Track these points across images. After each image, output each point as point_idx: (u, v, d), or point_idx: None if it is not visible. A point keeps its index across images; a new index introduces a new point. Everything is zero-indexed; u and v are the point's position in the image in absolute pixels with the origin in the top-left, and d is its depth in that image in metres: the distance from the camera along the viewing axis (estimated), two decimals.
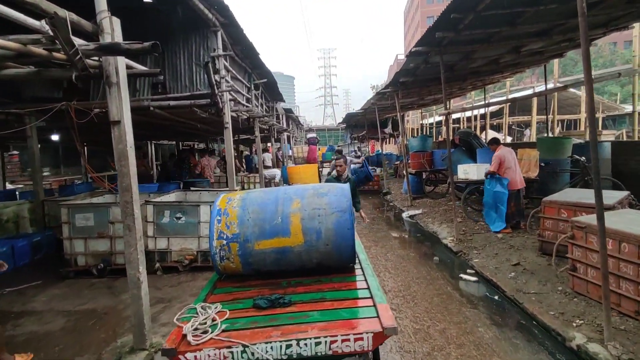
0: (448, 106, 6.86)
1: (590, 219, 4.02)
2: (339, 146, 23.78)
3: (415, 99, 13.88)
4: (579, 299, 3.96)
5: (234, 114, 7.65)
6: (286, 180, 8.03)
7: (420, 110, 22.63)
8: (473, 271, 5.33)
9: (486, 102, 7.19)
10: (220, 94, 6.43)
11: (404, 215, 9.55)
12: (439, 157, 10.94)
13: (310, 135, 18.80)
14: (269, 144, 20.23)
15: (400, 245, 6.90)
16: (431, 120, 25.42)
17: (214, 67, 6.48)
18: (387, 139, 26.48)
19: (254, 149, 16.25)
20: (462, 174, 7.94)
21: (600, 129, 15.97)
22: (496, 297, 4.47)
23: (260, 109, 12.03)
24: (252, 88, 9.94)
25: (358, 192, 5.15)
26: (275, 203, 2.70)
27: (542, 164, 7.49)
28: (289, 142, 23.48)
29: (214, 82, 5.60)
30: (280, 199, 2.74)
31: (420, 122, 25.52)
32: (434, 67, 7.59)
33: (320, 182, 7.95)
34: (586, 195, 5.13)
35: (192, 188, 7.85)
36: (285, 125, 18.65)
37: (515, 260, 5.27)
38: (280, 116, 17.28)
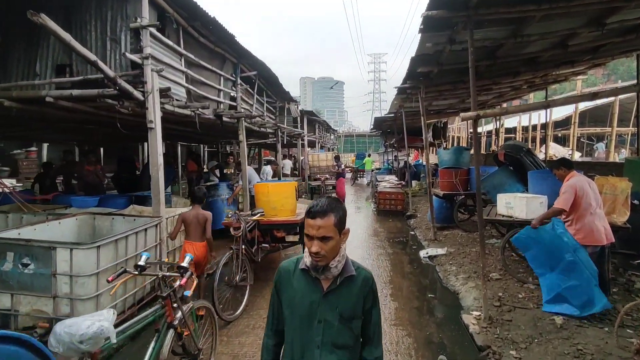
0: (489, 106, 4.46)
1: None
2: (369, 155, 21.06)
3: (454, 102, 11.19)
4: None
5: (185, 111, 5.78)
6: (253, 203, 5.98)
7: None
8: None
9: (549, 99, 4.67)
10: (143, 79, 4.59)
11: (422, 254, 7.08)
12: None
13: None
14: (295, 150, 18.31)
15: (395, 317, 4.52)
16: (480, 129, 22.11)
17: (136, 43, 4.65)
18: (431, 148, 23.48)
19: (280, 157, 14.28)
20: (504, 207, 5.39)
21: None
22: None
23: (260, 108, 10.17)
24: (239, 82, 8.07)
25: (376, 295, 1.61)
26: None
27: (636, 202, 4.76)
28: (312, 148, 21.43)
29: (94, 60, 3.71)
30: None
31: (470, 130, 22.24)
32: (465, 51, 5.17)
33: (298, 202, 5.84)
34: None
35: (134, 207, 6.06)
36: (305, 130, 16.63)
37: None
38: (298, 119, 15.33)
